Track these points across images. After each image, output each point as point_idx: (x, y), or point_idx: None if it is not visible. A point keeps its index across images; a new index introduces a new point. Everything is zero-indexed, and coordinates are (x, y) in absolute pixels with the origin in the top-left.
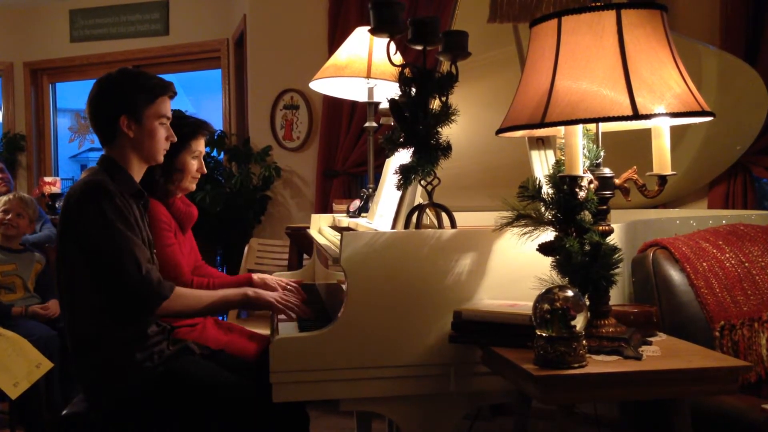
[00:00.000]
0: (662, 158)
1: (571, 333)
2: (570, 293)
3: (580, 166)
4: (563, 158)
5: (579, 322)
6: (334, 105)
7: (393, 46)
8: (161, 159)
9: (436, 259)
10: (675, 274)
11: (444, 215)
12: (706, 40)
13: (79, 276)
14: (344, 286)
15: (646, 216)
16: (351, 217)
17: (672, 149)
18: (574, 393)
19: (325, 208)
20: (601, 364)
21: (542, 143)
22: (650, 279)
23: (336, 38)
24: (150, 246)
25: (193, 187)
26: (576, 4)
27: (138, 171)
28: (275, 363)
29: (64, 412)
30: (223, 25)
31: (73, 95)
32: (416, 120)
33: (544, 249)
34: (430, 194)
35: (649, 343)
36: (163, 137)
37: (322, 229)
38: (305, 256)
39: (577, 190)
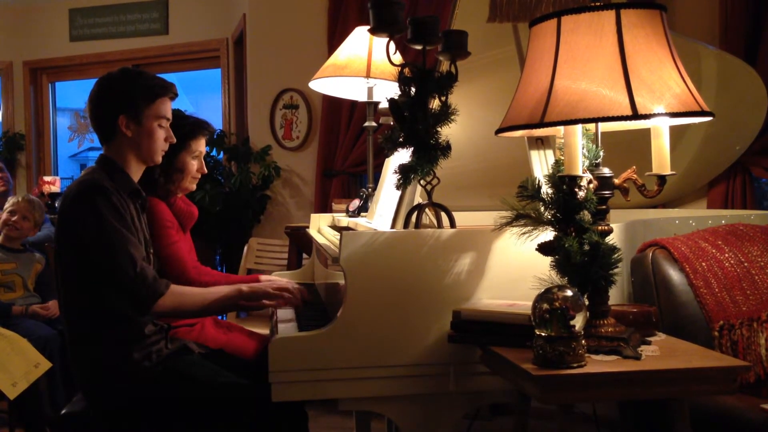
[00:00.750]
0: (661, 158)
1: (571, 333)
2: (569, 293)
3: (579, 166)
4: (562, 158)
5: (578, 322)
6: (333, 104)
7: (392, 45)
8: (159, 160)
9: (436, 259)
10: (674, 274)
11: (443, 215)
12: (705, 40)
13: (76, 274)
14: (342, 283)
15: (646, 216)
16: (350, 216)
17: (671, 149)
18: (573, 393)
19: (324, 207)
20: (600, 363)
21: (541, 143)
22: (649, 279)
23: (335, 38)
24: (147, 245)
25: (194, 186)
26: (575, 3)
27: (136, 171)
28: (274, 362)
29: (63, 411)
30: (223, 25)
31: (72, 94)
32: (416, 119)
33: (544, 249)
34: (429, 194)
35: (648, 343)
36: (161, 138)
37: (321, 228)
38: (305, 255)
39: (576, 189)
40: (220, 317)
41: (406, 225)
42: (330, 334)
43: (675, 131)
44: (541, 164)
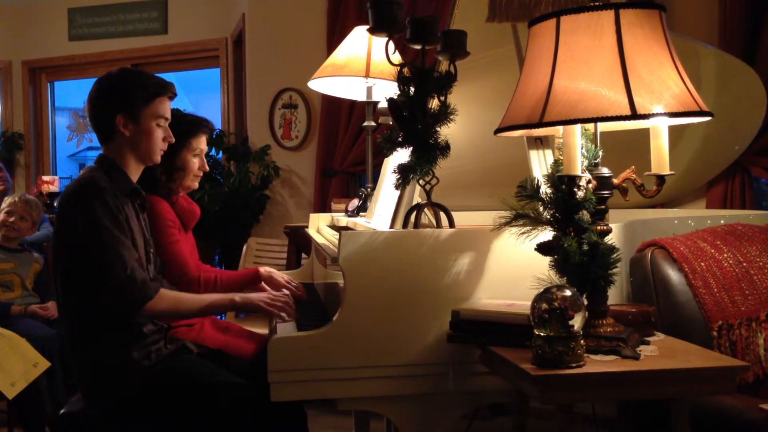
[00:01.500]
0: (660, 158)
1: (569, 332)
2: (568, 293)
3: (578, 166)
4: (561, 158)
5: (577, 322)
6: (332, 104)
7: (392, 45)
8: (158, 159)
9: (435, 259)
10: (673, 274)
11: (442, 215)
12: (704, 40)
13: (69, 273)
14: (341, 283)
15: (645, 216)
16: (349, 216)
17: (670, 149)
18: (572, 392)
19: (323, 207)
20: (599, 363)
21: (541, 143)
22: (648, 279)
23: (335, 37)
24: (147, 244)
25: (196, 185)
26: (574, 3)
27: (135, 170)
28: (273, 362)
29: (63, 410)
30: (222, 24)
31: (71, 94)
32: (415, 119)
33: (543, 248)
34: (428, 194)
35: (647, 343)
36: (160, 138)
37: (320, 228)
38: (304, 255)
39: (575, 189)
40: (218, 317)
41: (405, 225)
42: (329, 334)
43: (674, 131)
44: (540, 164)
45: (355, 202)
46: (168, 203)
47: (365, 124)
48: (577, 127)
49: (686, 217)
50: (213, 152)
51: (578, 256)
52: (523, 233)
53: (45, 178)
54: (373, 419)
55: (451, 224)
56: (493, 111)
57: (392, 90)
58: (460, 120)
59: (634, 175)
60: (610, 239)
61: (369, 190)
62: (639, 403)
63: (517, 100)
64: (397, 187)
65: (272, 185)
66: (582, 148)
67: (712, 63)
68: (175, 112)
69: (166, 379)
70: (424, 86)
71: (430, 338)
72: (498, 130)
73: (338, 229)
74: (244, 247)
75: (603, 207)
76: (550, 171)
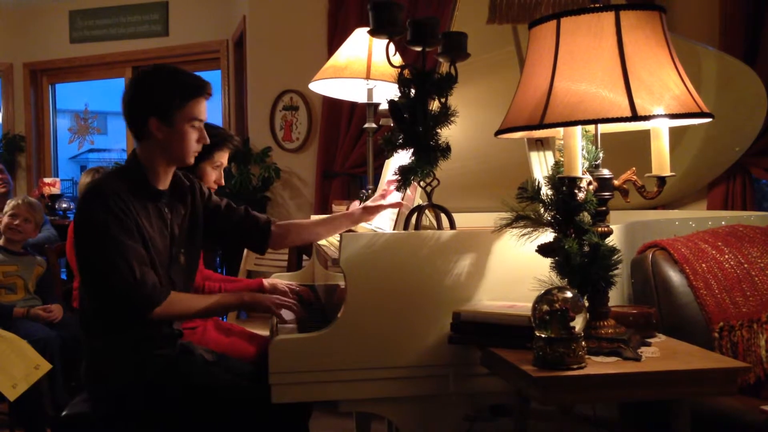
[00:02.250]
0: (661, 159)
1: (570, 334)
2: (569, 294)
3: (579, 168)
4: (562, 159)
5: (578, 323)
6: (333, 106)
7: (392, 47)
8: (191, 161)
9: (435, 260)
10: (674, 276)
11: (443, 216)
12: (705, 42)
13: (83, 275)
14: (342, 285)
15: (645, 217)
16: None
17: (671, 150)
18: (573, 394)
19: (324, 209)
20: (600, 365)
21: (541, 144)
22: (649, 280)
23: (335, 39)
24: (173, 244)
25: (214, 186)
26: (575, 5)
27: (165, 172)
28: (274, 364)
29: (64, 412)
30: (223, 26)
31: (72, 96)
32: (415, 121)
33: (544, 250)
34: (429, 195)
35: (648, 344)
36: (194, 140)
37: None
38: (305, 257)
39: (576, 191)
40: (221, 319)
41: (405, 226)
42: (330, 336)
43: (675, 132)
44: (540, 165)
45: (355, 204)
46: None
47: (366, 125)
48: (578, 128)
49: (687, 219)
50: None
51: (579, 258)
52: (524, 235)
53: (46, 180)
54: (375, 421)
55: (452, 226)
56: (494, 112)
57: (393, 92)
58: (460, 122)
59: (634, 177)
60: (611, 241)
61: (370, 191)
62: (640, 404)
63: (517, 102)
64: (397, 189)
65: (273, 187)
66: (583, 150)
67: (712, 64)
68: (205, 124)
69: (168, 382)
70: (424, 88)
71: (431, 340)
72: (499, 132)
73: None
74: (245, 249)
75: (604, 208)
76: (550, 172)
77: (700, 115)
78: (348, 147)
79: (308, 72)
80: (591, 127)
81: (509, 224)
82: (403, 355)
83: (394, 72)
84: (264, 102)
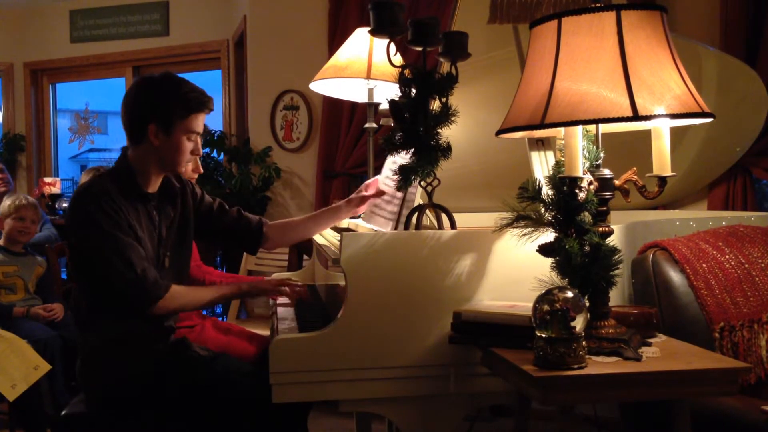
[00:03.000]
0: (662, 159)
1: (571, 334)
2: (570, 294)
3: (579, 167)
4: (563, 159)
5: (579, 323)
6: (334, 106)
7: (393, 47)
8: (181, 170)
9: (436, 260)
10: (675, 276)
11: (444, 216)
12: (706, 42)
13: (79, 275)
14: (343, 284)
15: (646, 217)
16: (351, 217)
17: (672, 150)
18: (574, 394)
19: None
20: (600, 365)
21: (542, 144)
22: (650, 280)
23: (336, 39)
24: (160, 246)
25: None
26: (576, 5)
27: (155, 177)
28: (275, 364)
29: (64, 412)
30: (223, 26)
31: (73, 96)
32: (416, 121)
33: (544, 250)
34: (429, 195)
35: (649, 345)
36: (188, 150)
37: None
38: (305, 256)
39: (576, 191)
40: (220, 318)
41: (406, 226)
42: (330, 336)
43: (675, 132)
44: (541, 165)
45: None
46: None
47: (366, 125)
48: (579, 128)
49: (688, 219)
50: (214, 154)
51: (580, 258)
52: (524, 235)
53: (46, 179)
54: (375, 421)
55: (453, 226)
56: (495, 112)
57: (393, 92)
58: (461, 121)
59: (635, 177)
60: (612, 241)
61: None
62: (641, 404)
63: (518, 102)
64: (398, 189)
65: (273, 187)
66: (583, 150)
67: (713, 64)
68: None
69: (167, 381)
70: (425, 88)
71: (432, 340)
72: (499, 132)
73: (339, 230)
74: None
75: (604, 208)
76: (551, 172)
77: (701, 115)
78: (348, 147)
79: (309, 72)
80: (592, 127)
81: (510, 224)
82: (403, 355)
83: (395, 72)
84: (264, 102)
